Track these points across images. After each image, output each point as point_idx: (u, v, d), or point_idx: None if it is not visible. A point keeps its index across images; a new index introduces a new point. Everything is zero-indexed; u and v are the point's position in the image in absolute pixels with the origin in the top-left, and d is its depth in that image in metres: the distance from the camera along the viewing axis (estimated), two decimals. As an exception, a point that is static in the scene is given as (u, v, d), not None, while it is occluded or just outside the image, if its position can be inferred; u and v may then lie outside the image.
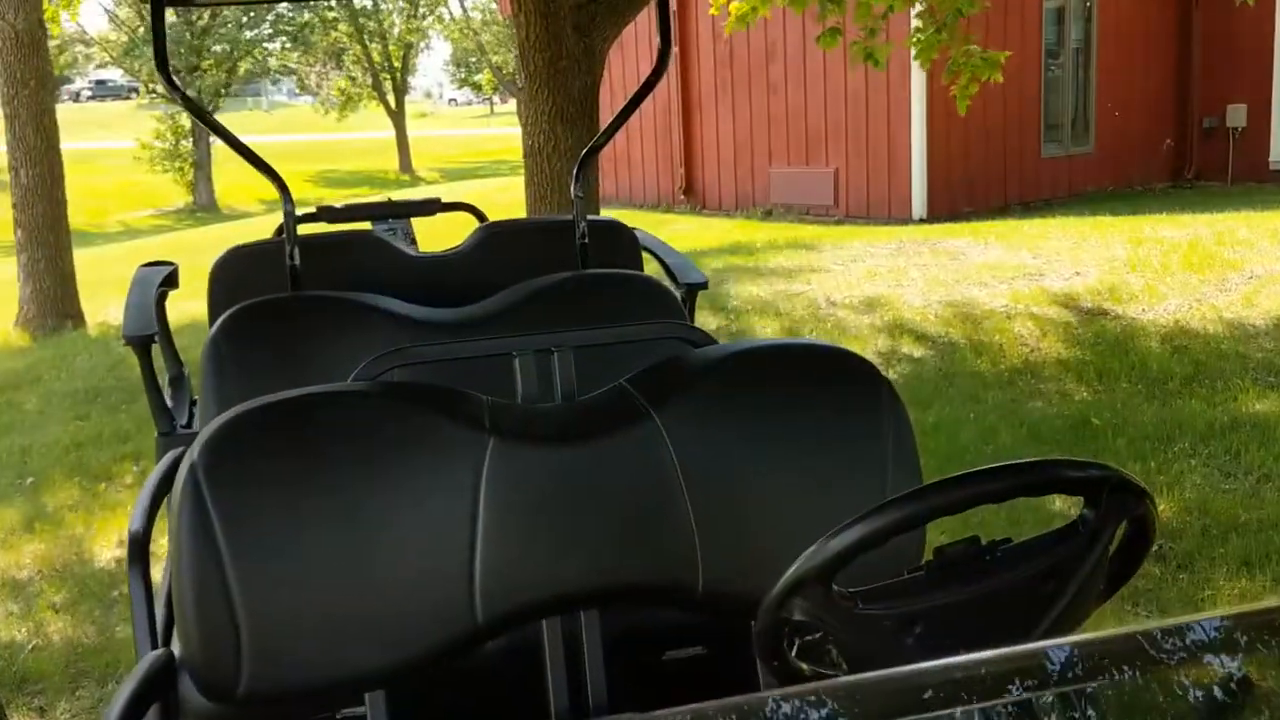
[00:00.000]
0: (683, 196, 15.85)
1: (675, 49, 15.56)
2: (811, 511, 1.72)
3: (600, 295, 2.58)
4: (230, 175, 31.20)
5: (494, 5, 37.55)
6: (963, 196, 13.34)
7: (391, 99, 38.34)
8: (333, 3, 32.98)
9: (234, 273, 3.00)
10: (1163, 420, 5.71)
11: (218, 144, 28.28)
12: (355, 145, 42.94)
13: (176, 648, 1.78)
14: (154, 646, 2.04)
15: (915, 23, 7.71)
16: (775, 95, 14.52)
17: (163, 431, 2.96)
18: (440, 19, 41.05)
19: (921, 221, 12.95)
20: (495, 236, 3.14)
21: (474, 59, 46.80)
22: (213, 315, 2.98)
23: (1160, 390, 6.23)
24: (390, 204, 3.68)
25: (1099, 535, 1.20)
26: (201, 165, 32.38)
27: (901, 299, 8.48)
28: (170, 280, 3.31)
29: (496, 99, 62.07)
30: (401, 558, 1.60)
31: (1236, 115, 15.13)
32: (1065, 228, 11.02)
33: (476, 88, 56.00)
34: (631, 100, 3.08)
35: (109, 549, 5.08)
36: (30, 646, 4.20)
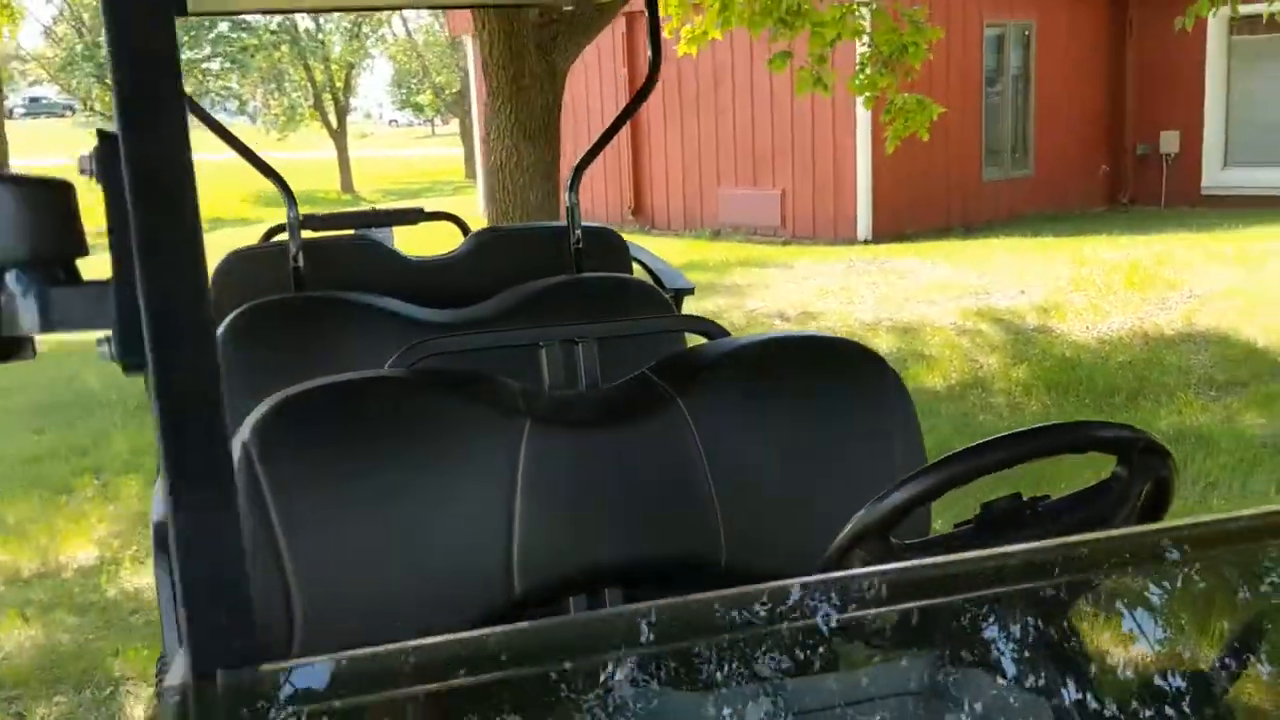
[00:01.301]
0: (631, 216, 15.98)
1: (624, 70, 15.75)
2: (826, 491, 1.82)
3: (597, 297, 2.67)
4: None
5: (437, 26, 37.59)
6: (907, 218, 13.61)
7: (333, 119, 38.14)
8: (337, 11, 32.81)
9: (235, 275, 3.05)
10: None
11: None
12: (296, 165, 42.57)
13: None
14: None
15: (861, 51, 7.89)
16: (723, 117, 14.73)
17: (163, 430, 2.99)
18: (383, 40, 40.96)
19: (867, 242, 13.19)
20: (490, 242, 3.22)
21: (415, 80, 46.69)
22: (221, 313, 3.02)
23: (1107, 404, 6.45)
24: (374, 213, 3.74)
25: (1129, 491, 1.32)
26: (141, 183, 31.96)
27: (853, 315, 8.66)
28: None
29: (438, 120, 61.97)
30: (444, 533, 1.68)
31: (1169, 141, 15.61)
32: (1008, 248, 11.31)
33: (418, 109, 55.86)
34: (623, 112, 3.18)
35: (76, 559, 5.06)
36: (2, 655, 4.18)
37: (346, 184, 38.45)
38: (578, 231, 3.14)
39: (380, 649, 0.84)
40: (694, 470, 1.79)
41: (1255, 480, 5.11)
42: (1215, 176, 15.47)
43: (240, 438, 1.65)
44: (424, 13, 37.25)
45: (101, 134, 0.67)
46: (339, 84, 39.29)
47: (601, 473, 1.76)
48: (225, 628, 0.68)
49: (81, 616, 4.50)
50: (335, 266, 2.94)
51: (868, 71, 7.04)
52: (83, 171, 0.71)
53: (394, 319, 2.54)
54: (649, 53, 2.95)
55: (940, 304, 8.84)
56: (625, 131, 15.75)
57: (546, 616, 1.83)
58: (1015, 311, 8.46)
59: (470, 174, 32.78)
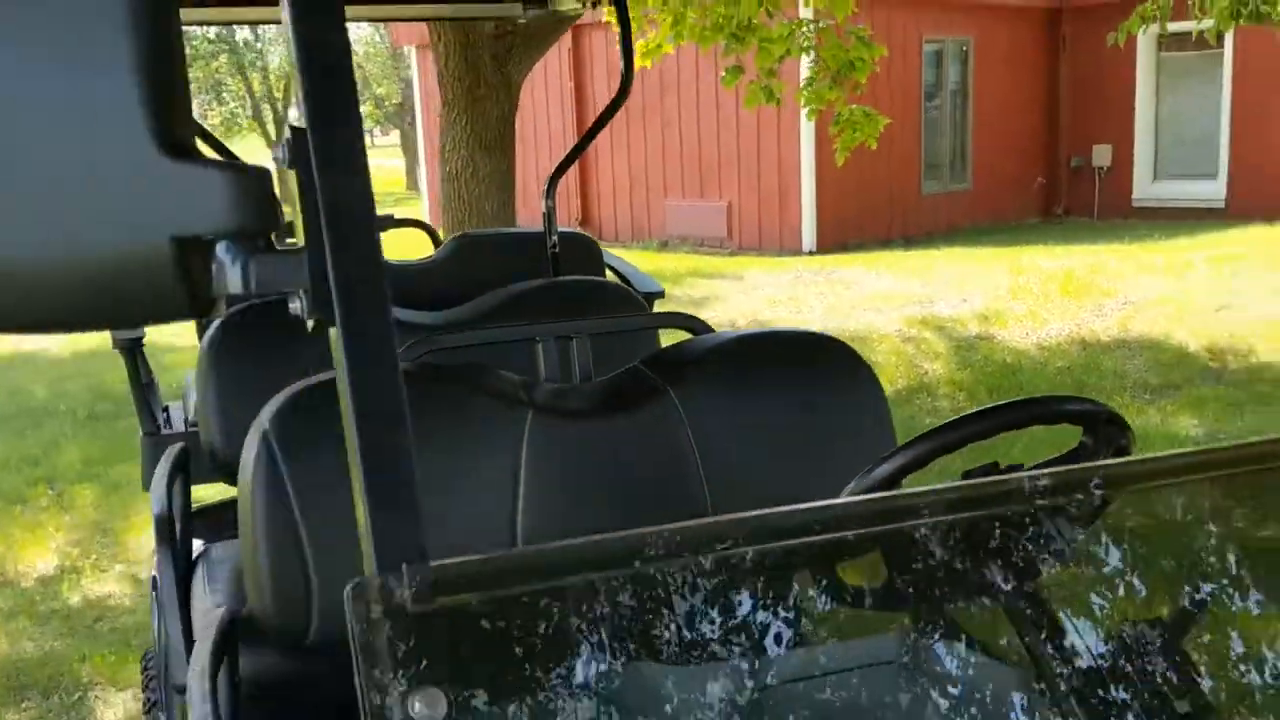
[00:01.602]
0: (579, 227, 16.09)
1: (570, 84, 15.87)
2: (806, 474, 1.94)
3: (576, 299, 2.77)
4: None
5: (378, 37, 37.38)
6: (850, 229, 13.86)
7: (273, 129, 37.83)
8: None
9: None
10: (1053, 434, 6.11)
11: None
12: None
13: (217, 607, 1.91)
14: (185, 622, 2.15)
15: (804, 74, 8.06)
16: (670, 130, 14.90)
17: (148, 431, 3.05)
18: (323, 50, 40.75)
19: (812, 253, 13.42)
20: (468, 247, 3.31)
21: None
22: (202, 321, 3.08)
23: (1048, 406, 6.66)
24: None
25: (1094, 458, 1.45)
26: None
27: (802, 324, 8.83)
28: None
29: (377, 131, 61.64)
30: (454, 516, 1.77)
31: (1102, 155, 16.05)
32: (949, 259, 11.57)
33: (357, 120, 55.45)
34: (596, 123, 3.28)
35: (35, 568, 5.04)
36: (-34, 662, 4.18)
37: (286, 194, 38.04)
38: (554, 236, 3.25)
39: (544, 547, 1.00)
40: (685, 454, 1.90)
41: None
42: (1146, 189, 15.93)
43: (260, 426, 1.73)
44: (364, 24, 37.10)
45: (294, 129, 0.78)
46: (278, 94, 38.94)
47: (599, 458, 1.86)
48: (405, 529, 0.79)
49: (44, 625, 4.50)
50: None
51: (815, 85, 7.21)
52: (276, 159, 0.81)
53: None
54: (621, 65, 3.06)
55: (885, 312, 9.04)
56: (571, 143, 15.87)
57: None
58: (957, 319, 8.69)
59: (412, 185, 32.64)
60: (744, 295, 10.09)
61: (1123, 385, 6.95)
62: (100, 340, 10.25)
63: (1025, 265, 10.50)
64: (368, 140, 67.83)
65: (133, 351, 2.99)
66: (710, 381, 1.95)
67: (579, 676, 0.88)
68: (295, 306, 0.82)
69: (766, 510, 0.98)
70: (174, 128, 0.74)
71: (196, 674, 1.63)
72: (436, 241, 4.36)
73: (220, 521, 2.65)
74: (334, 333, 0.79)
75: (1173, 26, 9.98)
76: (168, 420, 3.28)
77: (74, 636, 4.38)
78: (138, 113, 0.72)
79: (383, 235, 3.08)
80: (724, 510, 1.91)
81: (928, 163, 15.24)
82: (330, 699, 1.92)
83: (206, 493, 2.98)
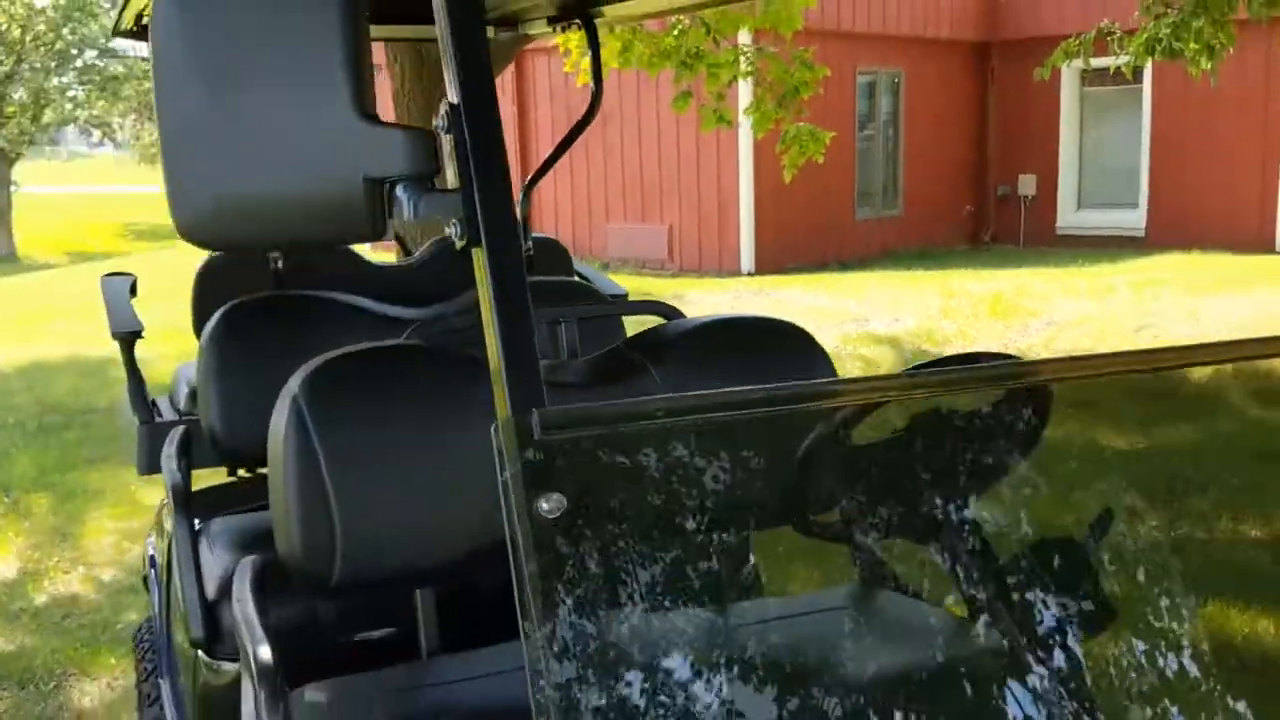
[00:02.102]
0: (519, 250, 16.28)
1: (514, 108, 16.10)
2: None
3: (550, 297, 2.99)
4: (32, 226, 29.93)
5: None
6: (787, 252, 14.23)
7: (208, 151, 37.55)
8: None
9: (218, 276, 3.29)
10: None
11: (19, 192, 27.24)
12: (164, 198, 41.75)
13: None
14: (199, 582, 2.32)
15: (744, 98, 8.40)
16: (612, 154, 15.19)
17: (143, 420, 3.20)
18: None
19: (750, 274, 13.76)
20: (448, 249, 3.52)
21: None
22: (199, 313, 3.26)
23: (979, 418, 7.00)
24: None
25: (1019, 411, 1.70)
26: (1, 215, 30.88)
27: (743, 342, 9.13)
28: (131, 290, 3.54)
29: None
30: (454, 474, 1.98)
31: (1027, 184, 16.64)
32: (882, 281, 11.96)
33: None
34: (565, 138, 3.50)
35: (-1, 570, 5.13)
36: (-62, 657, 4.27)
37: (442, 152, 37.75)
38: (529, 242, 3.47)
39: (643, 400, 1.30)
40: None
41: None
42: (1069, 217, 16.53)
43: (289, 392, 1.92)
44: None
45: (451, 105, 1.02)
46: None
47: None
48: (529, 385, 1.02)
49: (13, 622, 4.60)
50: (311, 269, 3.21)
51: (763, 108, 7.54)
52: (436, 127, 1.04)
53: (368, 315, 2.82)
54: (591, 86, 3.29)
55: (824, 330, 9.36)
56: (515, 165, 16.09)
57: None
58: (892, 337, 9.03)
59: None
60: (687, 314, 10.35)
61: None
62: (45, 355, 10.22)
63: (955, 288, 10.91)
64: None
65: (131, 344, 3.15)
66: (685, 360, 2.18)
67: (661, 490, 1.15)
68: (450, 232, 1.06)
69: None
70: (366, 102, 1.02)
71: (242, 603, 1.82)
72: (407, 251, 4.58)
73: (217, 500, 2.82)
74: (476, 252, 1.02)
75: (1095, 62, 10.47)
76: (157, 411, 3.44)
77: (43, 633, 4.49)
78: (345, 92, 1.00)
79: (359, 247, 3.30)
80: None
81: (861, 190, 15.69)
82: (348, 632, 2.10)
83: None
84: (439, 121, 1.04)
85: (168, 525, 2.99)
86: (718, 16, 7.30)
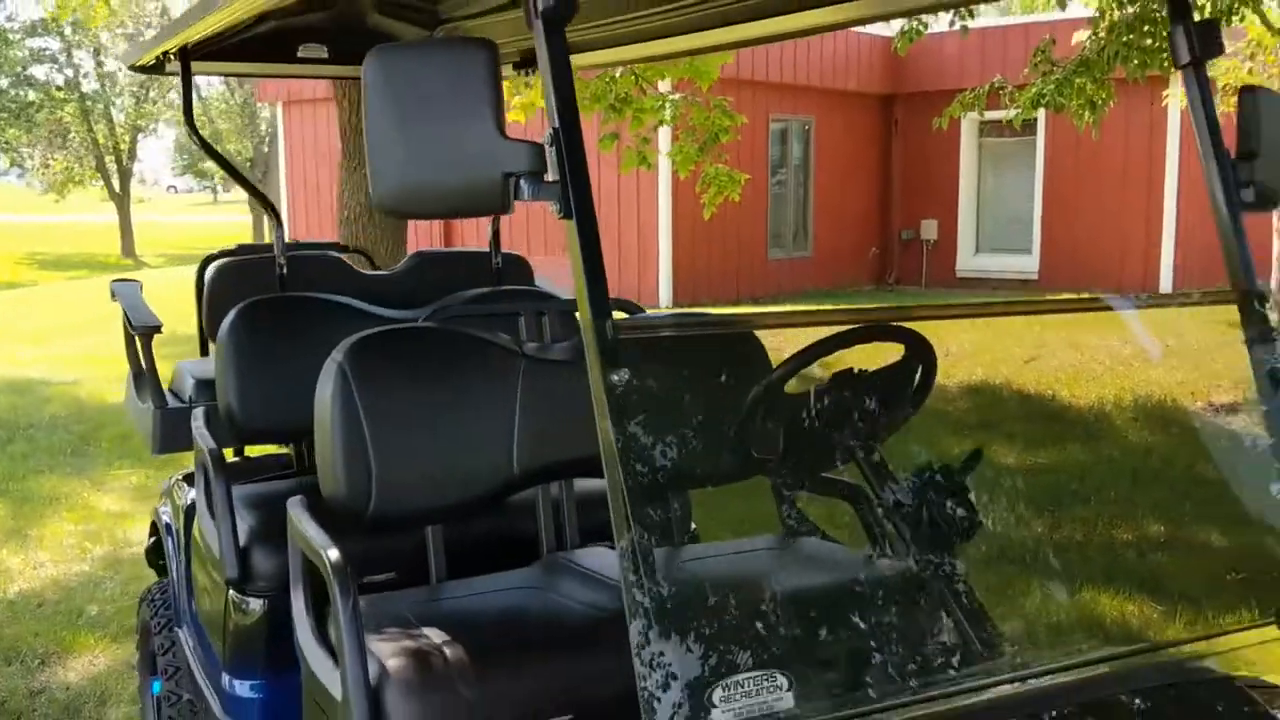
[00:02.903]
0: (442, 283, 16.68)
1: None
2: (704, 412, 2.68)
3: (520, 304, 3.46)
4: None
5: (229, 92, 37.22)
6: (703, 289, 14.85)
7: (116, 182, 37.13)
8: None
9: (226, 280, 3.72)
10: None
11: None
12: (72, 228, 41.19)
13: None
14: (234, 535, 2.72)
15: (665, 141, 8.96)
16: (533, 192, 15.68)
17: (158, 405, 3.57)
18: (171, 104, 40.34)
19: (668, 308, 14.33)
20: (425, 261, 4.00)
21: (196, 146, 45.77)
22: (210, 312, 3.67)
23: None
24: (299, 243, 4.42)
25: (911, 369, 2.22)
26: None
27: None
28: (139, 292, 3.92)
29: (220, 187, 60.82)
30: (469, 431, 2.43)
31: (929, 229, 17.54)
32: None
33: (202, 175, 54.47)
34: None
35: (-33, 565, 5.38)
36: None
37: (128, 248, 37.24)
38: (498, 256, 3.96)
39: (689, 313, 1.84)
40: None
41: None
42: (968, 261, 17.44)
43: (334, 360, 2.36)
44: (216, 80, 36.94)
45: (553, 129, 1.48)
46: (123, 146, 38.22)
47: (571, 396, 2.55)
48: (603, 299, 1.47)
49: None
50: (308, 275, 3.63)
51: (686, 150, 8.11)
52: (545, 141, 1.49)
53: (365, 315, 3.24)
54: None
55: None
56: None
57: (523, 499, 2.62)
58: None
59: (260, 240, 32.48)
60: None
61: (945, 422, 7.92)
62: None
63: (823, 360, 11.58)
64: (209, 197, 65.95)
65: (149, 338, 3.53)
66: (645, 344, 2.67)
67: (684, 372, 1.71)
68: (553, 208, 1.51)
69: None
70: (500, 125, 1.47)
71: (305, 524, 2.23)
72: (373, 263, 5.05)
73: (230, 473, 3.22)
74: (570, 226, 1.49)
75: (989, 114, 11.27)
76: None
77: (21, 621, 4.78)
78: (489, 119, 1.44)
79: (342, 254, 3.77)
80: None
81: (773, 232, 16.41)
82: (370, 571, 2.52)
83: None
84: (547, 137, 1.50)
85: (180, 498, 3.38)
86: (645, 65, 7.87)
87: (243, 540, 2.76)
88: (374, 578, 2.74)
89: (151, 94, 38.75)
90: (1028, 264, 16.66)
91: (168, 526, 3.37)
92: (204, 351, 4.07)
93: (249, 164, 35.76)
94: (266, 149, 34.49)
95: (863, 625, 1.69)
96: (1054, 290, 14.80)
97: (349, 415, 2.33)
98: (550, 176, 1.48)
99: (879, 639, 1.67)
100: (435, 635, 2.14)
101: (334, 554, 2.05)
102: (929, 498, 2.06)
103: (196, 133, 3.52)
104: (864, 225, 17.71)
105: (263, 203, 3.56)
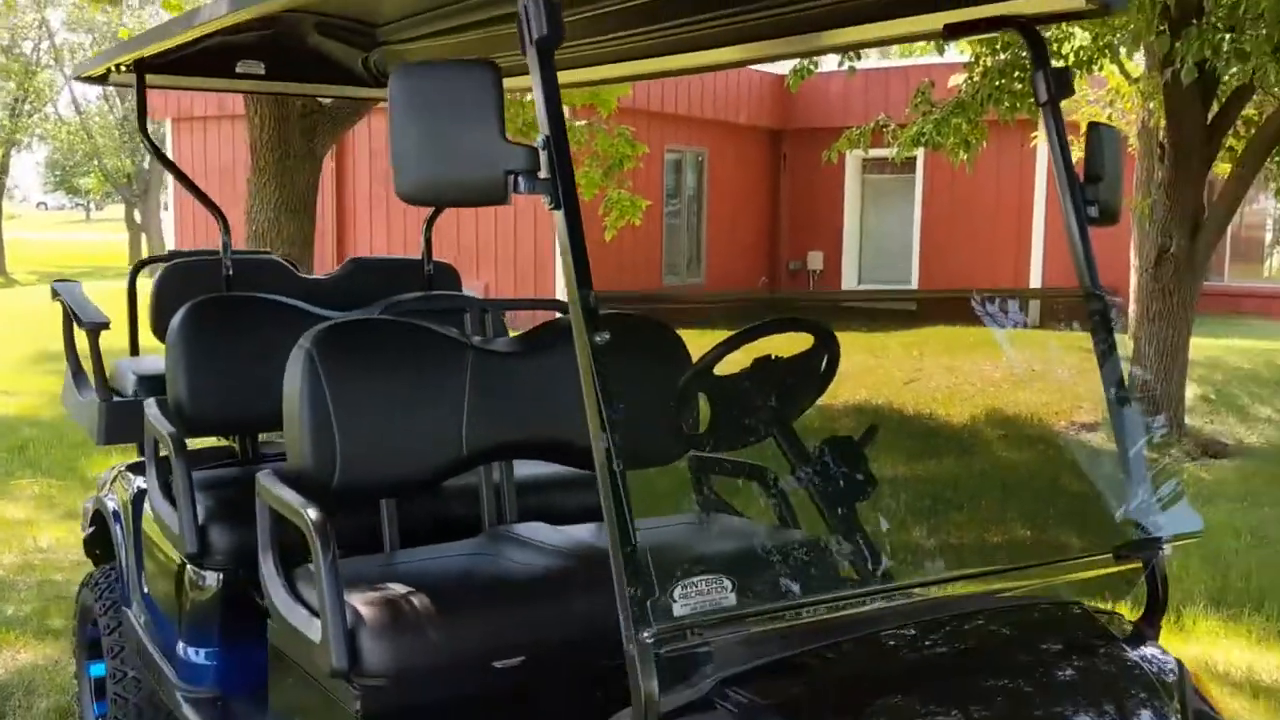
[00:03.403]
0: (336, 303, 16.67)
1: (333, 163, 16.59)
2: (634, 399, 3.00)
3: (466, 302, 3.73)
4: None
5: (108, 107, 36.32)
6: (597, 313, 15.19)
7: (-3, 201, 35.93)
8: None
9: (175, 282, 3.92)
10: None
11: None
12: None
13: None
14: (194, 514, 2.93)
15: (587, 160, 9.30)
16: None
17: (103, 399, 3.72)
18: (46, 119, 39.29)
19: (563, 333, 14.64)
20: (360, 268, 4.25)
21: (70, 162, 44.56)
22: (157, 312, 3.85)
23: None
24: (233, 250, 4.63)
25: (818, 356, 2.58)
26: None
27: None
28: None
29: (92, 205, 59.23)
30: (422, 414, 2.70)
31: (815, 260, 18.23)
32: (689, 340, 13.00)
33: (74, 191, 52.90)
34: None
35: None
36: None
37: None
38: (430, 265, 4.23)
39: (646, 292, 2.18)
40: (569, 387, 2.89)
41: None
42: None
43: (302, 347, 2.61)
44: (93, 95, 36.09)
45: (544, 135, 1.77)
46: (-1, 171, 36.90)
47: (513, 384, 2.84)
48: (586, 273, 1.74)
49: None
50: (253, 277, 3.84)
51: (590, 175, 8.48)
52: (538, 145, 1.77)
53: (308, 315, 3.46)
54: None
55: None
56: (330, 221, 16.55)
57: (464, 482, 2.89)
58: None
59: (136, 260, 31.63)
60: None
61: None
62: None
63: (747, 347, 12.04)
64: (82, 214, 63.73)
65: (97, 334, 3.68)
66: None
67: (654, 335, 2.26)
68: (545, 201, 1.80)
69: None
70: (503, 132, 1.75)
71: (281, 490, 2.46)
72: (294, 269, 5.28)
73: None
74: (558, 215, 1.78)
75: (873, 151, 11.86)
76: None
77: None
78: (494, 126, 1.72)
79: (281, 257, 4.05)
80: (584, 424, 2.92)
81: (668, 259, 16.87)
82: (344, 530, 2.78)
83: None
84: (540, 140, 1.79)
85: (126, 486, 3.55)
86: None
87: (200, 520, 2.97)
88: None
89: (26, 107, 37.66)
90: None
91: (114, 514, 3.53)
92: (134, 351, 4.23)
93: (128, 180, 34.87)
94: (148, 165, 33.79)
95: (784, 554, 2.03)
96: (931, 317, 15.50)
97: (316, 396, 2.57)
98: (542, 174, 1.77)
99: (796, 561, 2.03)
100: (399, 588, 2.39)
101: (313, 513, 2.30)
102: (833, 463, 2.43)
103: (150, 141, 3.70)
104: (754, 255, 18.29)
105: (210, 208, 3.77)
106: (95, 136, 38.07)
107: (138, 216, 33.68)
